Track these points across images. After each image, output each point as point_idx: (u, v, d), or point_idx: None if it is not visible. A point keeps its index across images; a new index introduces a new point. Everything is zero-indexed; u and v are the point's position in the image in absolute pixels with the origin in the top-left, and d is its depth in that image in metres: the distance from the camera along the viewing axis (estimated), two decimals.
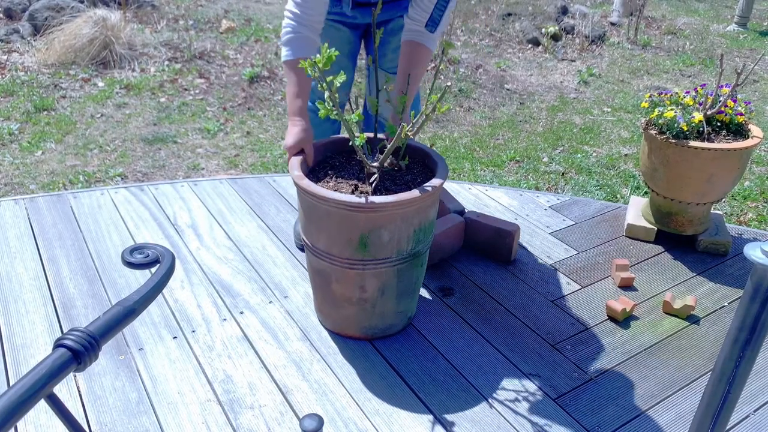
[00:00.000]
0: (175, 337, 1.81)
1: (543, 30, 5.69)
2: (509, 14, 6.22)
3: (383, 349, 1.80)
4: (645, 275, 2.18)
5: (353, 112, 1.65)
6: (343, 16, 1.93)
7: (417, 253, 1.71)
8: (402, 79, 1.81)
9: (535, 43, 5.57)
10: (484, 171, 3.18)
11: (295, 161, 1.69)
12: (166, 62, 4.53)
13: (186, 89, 4.13)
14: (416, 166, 1.81)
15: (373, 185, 1.66)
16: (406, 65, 1.82)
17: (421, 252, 1.72)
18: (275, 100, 4.05)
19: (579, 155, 3.42)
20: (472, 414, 1.61)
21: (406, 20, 1.84)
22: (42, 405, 1.54)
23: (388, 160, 1.71)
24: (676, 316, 1.99)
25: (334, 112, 1.52)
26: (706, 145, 2.07)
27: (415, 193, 1.57)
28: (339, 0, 1.88)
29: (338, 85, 1.52)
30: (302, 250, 2.25)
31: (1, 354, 1.73)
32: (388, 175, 1.73)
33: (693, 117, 2.11)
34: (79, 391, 1.62)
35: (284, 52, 1.72)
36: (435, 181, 1.63)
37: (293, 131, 1.73)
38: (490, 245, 2.21)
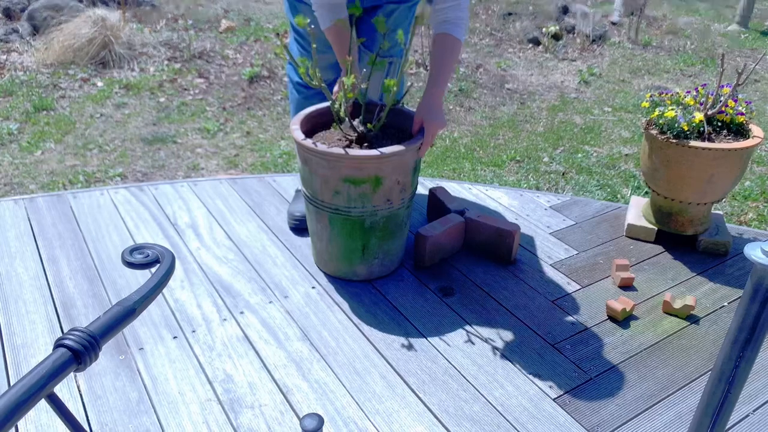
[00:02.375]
0: (175, 337, 1.81)
1: (544, 29, 5.69)
2: (510, 14, 6.22)
3: (383, 348, 1.80)
4: (645, 275, 2.18)
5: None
6: None
7: (340, 210, 1.91)
8: (434, 71, 1.93)
9: (536, 42, 5.56)
10: (485, 171, 3.18)
11: (307, 140, 1.90)
12: (166, 62, 4.53)
13: (185, 89, 4.13)
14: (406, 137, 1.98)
15: (351, 142, 1.93)
16: (435, 56, 1.94)
17: (347, 214, 1.91)
18: (275, 100, 4.04)
19: (579, 155, 3.42)
20: (472, 414, 1.61)
21: (432, 12, 1.94)
22: (42, 405, 1.54)
23: (360, 128, 1.94)
24: (676, 316, 1.99)
25: (314, 82, 1.81)
26: (706, 145, 2.07)
27: (315, 146, 1.81)
28: None
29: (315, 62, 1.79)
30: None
31: (1, 354, 1.73)
32: (382, 139, 1.97)
33: (694, 117, 2.11)
34: (79, 391, 1.62)
35: (321, 23, 1.93)
36: (347, 150, 1.82)
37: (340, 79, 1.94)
38: (490, 245, 2.21)
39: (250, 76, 4.31)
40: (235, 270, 2.11)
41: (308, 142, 1.85)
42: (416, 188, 2.03)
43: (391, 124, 2.07)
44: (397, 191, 1.91)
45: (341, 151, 1.80)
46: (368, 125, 1.95)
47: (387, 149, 1.82)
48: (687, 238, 2.35)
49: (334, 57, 2.12)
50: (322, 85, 1.83)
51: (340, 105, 1.90)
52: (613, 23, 6.38)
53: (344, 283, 2.07)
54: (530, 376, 1.73)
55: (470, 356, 1.79)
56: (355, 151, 1.81)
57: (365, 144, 1.93)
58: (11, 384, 1.62)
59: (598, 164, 3.32)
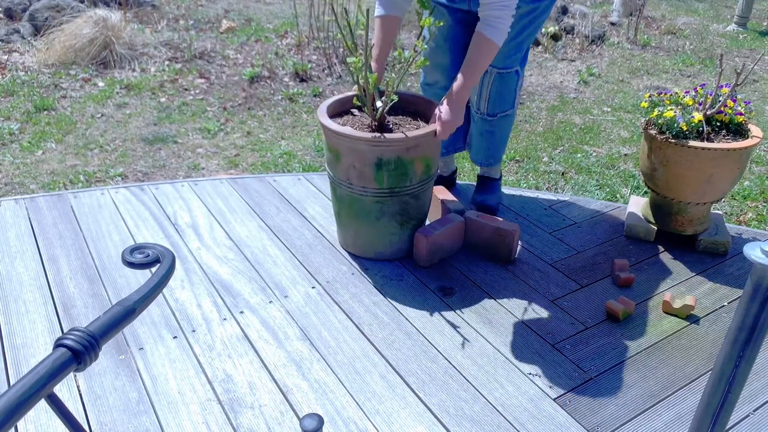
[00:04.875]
0: (175, 337, 1.81)
1: (543, 30, 5.69)
2: None
3: (383, 348, 1.80)
4: (645, 275, 2.18)
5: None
6: None
7: (327, 168, 2.08)
8: (461, 67, 1.96)
9: (535, 43, 5.56)
10: None
11: (326, 103, 2.11)
12: (167, 62, 4.53)
13: (186, 89, 4.13)
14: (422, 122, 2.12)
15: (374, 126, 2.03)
16: (467, 54, 1.96)
17: (329, 175, 2.09)
18: (275, 100, 4.05)
19: (579, 155, 3.42)
20: (472, 414, 1.61)
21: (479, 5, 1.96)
22: (42, 405, 1.54)
23: (379, 112, 2.00)
24: (676, 315, 1.99)
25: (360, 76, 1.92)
26: (705, 144, 2.07)
27: (343, 129, 1.94)
28: None
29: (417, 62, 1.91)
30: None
31: (1, 354, 1.73)
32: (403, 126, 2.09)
33: (693, 117, 2.11)
34: (79, 391, 1.62)
35: (376, 10, 2.05)
36: (358, 133, 1.93)
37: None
38: (490, 245, 2.22)
39: (251, 76, 4.31)
40: (235, 270, 2.11)
41: (324, 104, 2.09)
42: (391, 190, 2.00)
43: (416, 112, 2.18)
44: (354, 176, 1.99)
45: (321, 114, 2.03)
46: (370, 113, 2.01)
47: (337, 127, 1.95)
48: (686, 237, 2.35)
49: (443, 59, 2.19)
50: (361, 74, 1.91)
51: (363, 91, 1.96)
52: (612, 23, 6.38)
53: (344, 283, 2.07)
54: (530, 376, 1.73)
55: (470, 356, 1.79)
56: (324, 119, 2.00)
57: (387, 125, 2.06)
58: (11, 384, 1.63)
59: (598, 164, 3.32)
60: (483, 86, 2.21)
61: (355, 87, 1.97)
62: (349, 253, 2.22)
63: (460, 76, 1.92)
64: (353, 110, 2.16)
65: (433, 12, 2.14)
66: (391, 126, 2.05)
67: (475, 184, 2.62)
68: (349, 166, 1.98)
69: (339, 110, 2.16)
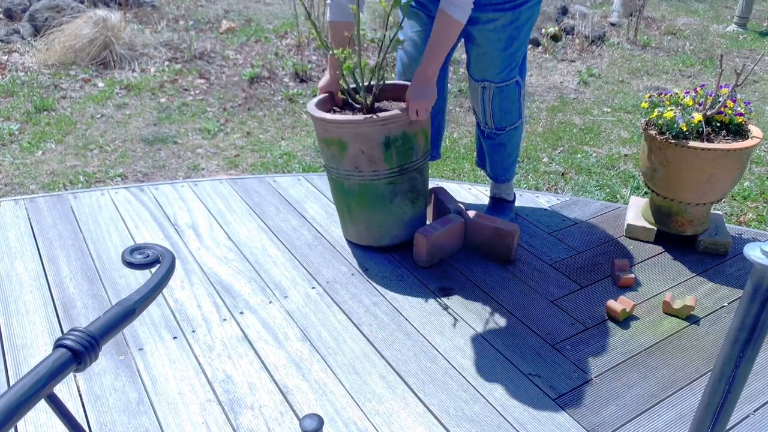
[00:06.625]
0: (175, 337, 1.81)
1: (543, 30, 5.69)
2: None
3: (383, 348, 1.80)
4: (645, 275, 2.18)
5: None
6: (419, 2, 2.11)
7: (327, 166, 2.12)
8: (427, 47, 1.98)
9: (535, 43, 5.57)
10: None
11: (312, 103, 2.10)
12: (167, 62, 4.53)
13: (186, 89, 4.13)
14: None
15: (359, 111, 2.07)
16: (431, 33, 1.95)
17: (331, 172, 2.11)
18: (275, 101, 4.05)
19: (579, 155, 3.42)
20: (472, 414, 1.61)
21: None
22: (42, 405, 1.54)
23: (369, 99, 2.05)
24: (676, 316, 1.99)
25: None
26: (705, 145, 2.07)
27: (346, 117, 1.96)
28: None
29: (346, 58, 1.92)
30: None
31: (1, 354, 1.73)
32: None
33: (692, 117, 2.11)
34: (79, 391, 1.62)
35: (327, 15, 2.11)
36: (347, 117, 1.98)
37: (326, 77, 2.15)
38: (490, 245, 2.22)
39: (251, 76, 4.31)
40: (235, 270, 2.11)
41: (311, 104, 2.08)
42: (401, 167, 2.03)
43: (396, 99, 2.19)
44: (364, 161, 2.00)
45: (314, 111, 2.02)
46: (363, 99, 2.04)
47: (339, 116, 1.96)
48: (686, 238, 2.35)
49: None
50: (347, 64, 1.94)
51: (344, 81, 2.01)
52: (612, 24, 6.38)
53: (344, 283, 2.07)
54: (530, 376, 1.73)
55: (470, 356, 1.79)
56: (320, 113, 1.99)
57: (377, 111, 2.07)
58: (11, 384, 1.62)
59: (598, 164, 3.32)
60: (484, 102, 2.18)
61: (338, 80, 2.02)
62: (362, 246, 2.23)
63: (426, 56, 1.94)
64: (335, 107, 2.19)
65: (410, 10, 2.16)
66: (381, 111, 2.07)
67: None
68: (356, 153, 1.99)
69: (321, 110, 2.16)
